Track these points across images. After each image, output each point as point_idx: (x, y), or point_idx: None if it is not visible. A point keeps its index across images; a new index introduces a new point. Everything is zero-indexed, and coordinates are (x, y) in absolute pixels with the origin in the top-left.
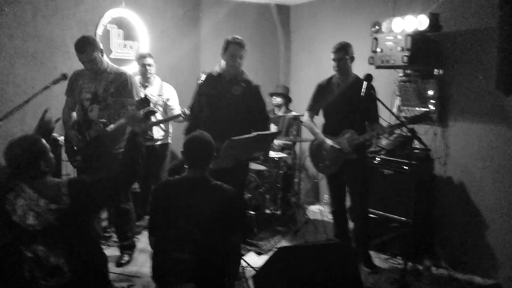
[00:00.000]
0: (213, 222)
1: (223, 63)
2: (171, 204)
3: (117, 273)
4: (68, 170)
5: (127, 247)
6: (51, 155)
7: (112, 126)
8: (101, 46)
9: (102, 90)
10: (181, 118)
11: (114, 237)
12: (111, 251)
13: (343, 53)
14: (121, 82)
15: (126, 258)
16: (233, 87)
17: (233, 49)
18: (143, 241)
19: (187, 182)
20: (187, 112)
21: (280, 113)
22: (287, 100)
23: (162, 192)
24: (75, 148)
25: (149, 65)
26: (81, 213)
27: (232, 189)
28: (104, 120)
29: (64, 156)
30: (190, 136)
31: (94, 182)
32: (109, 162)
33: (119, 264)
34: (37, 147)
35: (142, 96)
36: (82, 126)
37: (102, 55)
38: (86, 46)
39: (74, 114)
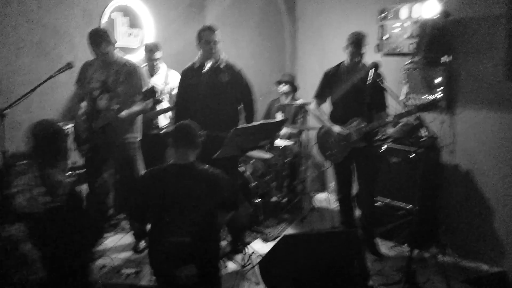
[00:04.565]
0: (207, 205)
1: (200, 53)
2: (162, 192)
3: (124, 259)
4: (76, 158)
5: (141, 235)
6: (69, 153)
7: (124, 113)
8: (114, 39)
9: (112, 80)
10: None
11: (121, 225)
12: (124, 239)
13: (363, 47)
14: (130, 73)
15: (142, 244)
16: (219, 75)
17: (205, 35)
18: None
19: (175, 169)
20: None
21: (286, 101)
22: (294, 88)
23: (150, 180)
24: (82, 137)
25: (158, 59)
26: (67, 217)
27: (218, 171)
28: (116, 107)
29: (70, 144)
30: (179, 123)
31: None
32: (116, 152)
33: (136, 251)
34: (62, 140)
35: (149, 87)
36: (90, 115)
37: (114, 48)
38: (100, 40)
39: (83, 104)
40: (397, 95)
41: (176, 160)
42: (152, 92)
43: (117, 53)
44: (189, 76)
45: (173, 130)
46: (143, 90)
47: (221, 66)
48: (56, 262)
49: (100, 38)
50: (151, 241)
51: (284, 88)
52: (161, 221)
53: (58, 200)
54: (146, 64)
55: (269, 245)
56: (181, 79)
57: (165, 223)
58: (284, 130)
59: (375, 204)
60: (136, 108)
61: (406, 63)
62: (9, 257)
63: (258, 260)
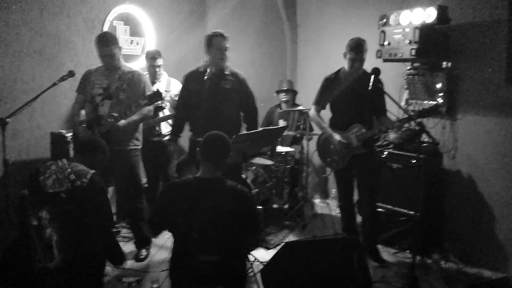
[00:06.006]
0: (234, 223)
1: (208, 58)
2: (185, 206)
3: (125, 268)
4: None
5: (143, 243)
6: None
7: (123, 121)
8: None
9: (115, 87)
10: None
11: (123, 232)
12: (125, 248)
13: (364, 52)
14: (133, 81)
15: (144, 252)
16: (222, 81)
17: (217, 41)
18: None
19: (201, 183)
20: None
21: (287, 107)
22: (293, 94)
23: (173, 193)
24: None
25: (159, 66)
26: (87, 199)
27: (247, 189)
28: (115, 114)
29: (72, 153)
30: (210, 132)
31: (103, 201)
32: (119, 159)
33: (138, 259)
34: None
35: (154, 90)
36: (92, 122)
37: (120, 53)
38: (109, 41)
39: (83, 112)
40: (398, 101)
41: (202, 173)
42: (158, 95)
43: (122, 61)
44: (193, 81)
45: (202, 141)
46: (148, 93)
47: (226, 72)
48: (72, 245)
49: (109, 39)
50: (176, 258)
51: (286, 97)
52: (188, 237)
53: (82, 182)
54: (147, 71)
55: (271, 253)
56: (184, 82)
57: (193, 239)
58: (285, 136)
59: (377, 210)
60: (135, 117)
61: (407, 68)
62: (33, 245)
63: (260, 267)
